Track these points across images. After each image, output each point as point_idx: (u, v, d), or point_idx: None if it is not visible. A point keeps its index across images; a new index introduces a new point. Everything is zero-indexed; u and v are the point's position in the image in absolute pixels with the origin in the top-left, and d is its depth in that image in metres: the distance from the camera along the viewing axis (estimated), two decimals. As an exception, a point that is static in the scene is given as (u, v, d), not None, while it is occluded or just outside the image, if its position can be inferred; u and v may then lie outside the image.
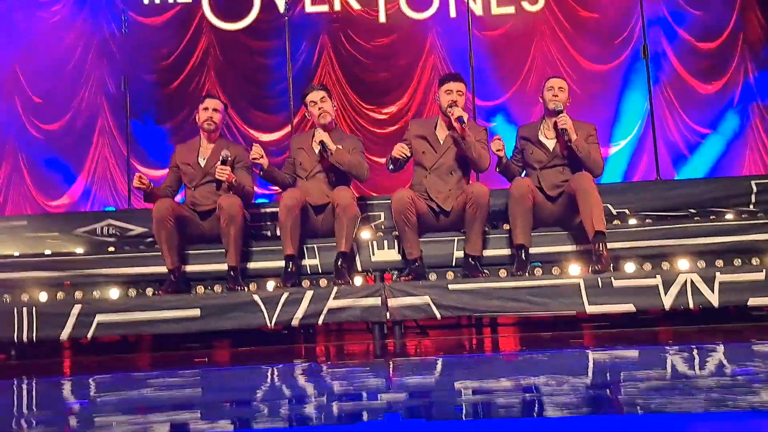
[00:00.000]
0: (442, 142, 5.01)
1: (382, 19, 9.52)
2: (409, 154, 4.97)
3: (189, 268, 5.03)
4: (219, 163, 4.95)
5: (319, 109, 5.11)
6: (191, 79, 9.45)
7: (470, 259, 4.81)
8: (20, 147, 9.20)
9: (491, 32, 9.52)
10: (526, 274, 4.69)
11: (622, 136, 9.29)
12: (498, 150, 4.89)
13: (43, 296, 4.90)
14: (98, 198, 9.27)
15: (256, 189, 5.59)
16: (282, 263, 4.82)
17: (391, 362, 3.84)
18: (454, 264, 4.97)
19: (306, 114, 5.33)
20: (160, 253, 4.90)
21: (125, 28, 6.75)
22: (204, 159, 5.18)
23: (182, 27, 9.46)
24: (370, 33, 9.57)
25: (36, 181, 9.24)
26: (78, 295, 4.90)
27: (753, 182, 5.41)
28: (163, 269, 4.90)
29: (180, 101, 9.28)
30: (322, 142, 4.97)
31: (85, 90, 9.34)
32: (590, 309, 4.43)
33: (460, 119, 4.74)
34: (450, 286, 4.53)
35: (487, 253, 4.95)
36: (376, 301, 4.48)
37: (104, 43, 9.25)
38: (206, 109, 5.22)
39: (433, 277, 4.87)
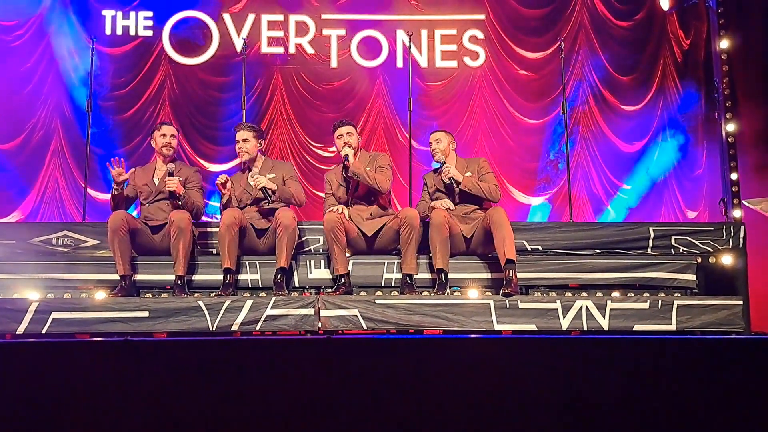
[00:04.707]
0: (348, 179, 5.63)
1: (334, 64, 10.10)
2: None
3: (138, 276, 5.44)
4: (167, 175, 5.48)
5: (240, 148, 5.70)
6: (146, 109, 9.85)
7: (407, 278, 5.33)
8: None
9: (434, 84, 10.21)
10: (445, 294, 5.23)
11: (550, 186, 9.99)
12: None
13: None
14: (47, 218, 9.48)
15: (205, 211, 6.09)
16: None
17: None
18: (383, 284, 5.49)
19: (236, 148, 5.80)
20: (112, 262, 5.31)
21: (93, 57, 7.19)
22: (158, 178, 5.67)
23: (141, 59, 9.88)
24: (322, 76, 10.14)
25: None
26: (33, 296, 5.24)
27: (651, 228, 6.00)
28: (115, 276, 5.31)
29: (135, 129, 9.67)
30: (264, 188, 5.46)
31: (41, 111, 9.62)
32: (498, 326, 5.00)
33: (346, 157, 5.48)
34: (377, 301, 5.05)
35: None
36: (309, 311, 4.97)
37: (64, 68, 9.60)
38: (164, 135, 5.75)
39: (363, 294, 5.38)
